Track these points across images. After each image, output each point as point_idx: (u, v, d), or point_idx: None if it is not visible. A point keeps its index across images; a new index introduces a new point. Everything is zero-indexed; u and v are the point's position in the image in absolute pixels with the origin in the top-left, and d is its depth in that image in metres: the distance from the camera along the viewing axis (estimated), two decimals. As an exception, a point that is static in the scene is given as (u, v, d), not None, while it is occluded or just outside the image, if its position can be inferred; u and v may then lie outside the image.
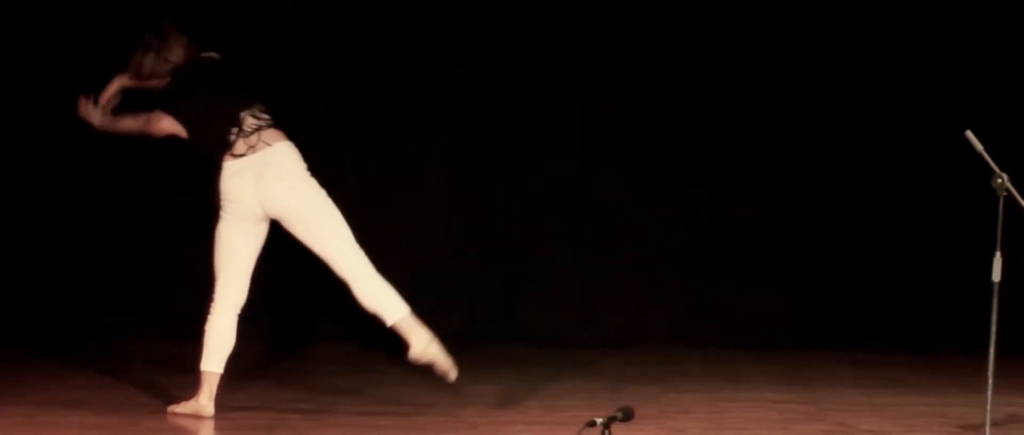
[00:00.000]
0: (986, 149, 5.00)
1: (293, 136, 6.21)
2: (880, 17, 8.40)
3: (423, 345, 6.07)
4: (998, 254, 4.90)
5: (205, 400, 6.16)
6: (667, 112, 8.43)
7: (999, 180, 4.94)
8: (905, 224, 8.37)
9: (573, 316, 8.45)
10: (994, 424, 5.02)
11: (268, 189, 6.06)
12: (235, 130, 6.10)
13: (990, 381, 4.91)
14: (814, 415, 6.34)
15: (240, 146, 6.12)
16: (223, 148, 6.09)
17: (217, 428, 6.01)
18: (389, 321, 6.08)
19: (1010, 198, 4.92)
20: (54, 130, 8.28)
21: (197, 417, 6.14)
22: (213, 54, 6.34)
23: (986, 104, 8.01)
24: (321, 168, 6.18)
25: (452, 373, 6.15)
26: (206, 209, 8.19)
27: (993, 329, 4.91)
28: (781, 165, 8.45)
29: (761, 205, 8.50)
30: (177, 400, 6.26)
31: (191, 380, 6.25)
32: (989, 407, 4.94)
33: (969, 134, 5.06)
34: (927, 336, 8.30)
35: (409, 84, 8.33)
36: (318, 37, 8.30)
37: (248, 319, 6.25)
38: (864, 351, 8.18)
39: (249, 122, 6.15)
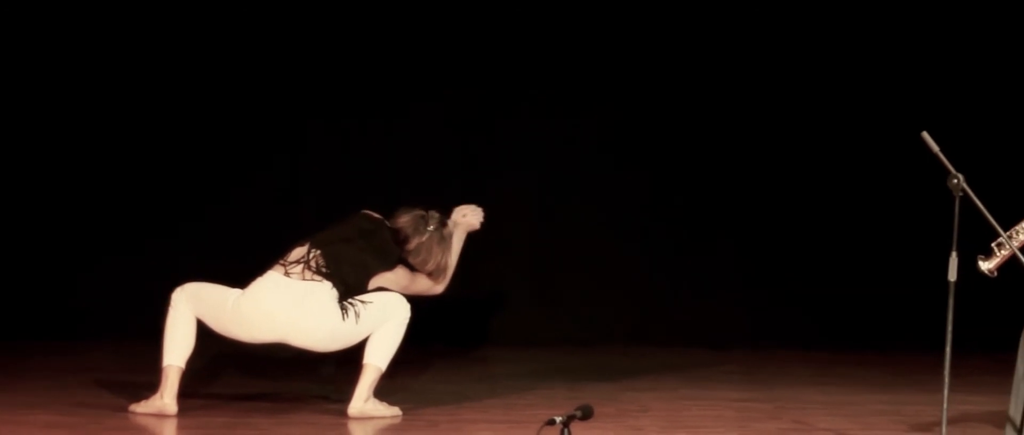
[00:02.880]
0: (942, 150, 4.89)
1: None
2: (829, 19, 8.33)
3: (359, 404, 5.96)
4: (954, 254, 4.79)
5: (168, 398, 6.00)
6: (624, 120, 8.37)
7: (955, 181, 4.83)
8: (861, 225, 8.33)
9: (531, 316, 8.36)
10: (949, 422, 4.93)
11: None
12: None
13: (946, 380, 4.80)
14: (772, 413, 6.25)
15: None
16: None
17: (178, 426, 5.86)
18: (366, 359, 5.96)
19: (966, 198, 4.81)
20: (15, 129, 8.17)
21: (160, 415, 5.98)
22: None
23: (941, 105, 7.99)
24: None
25: (398, 414, 6.04)
26: (169, 206, 8.07)
27: (949, 328, 4.80)
28: (737, 167, 8.42)
29: (718, 206, 8.45)
30: (140, 399, 6.09)
31: (155, 378, 6.09)
32: (945, 405, 4.84)
33: (925, 135, 4.95)
34: (882, 336, 8.26)
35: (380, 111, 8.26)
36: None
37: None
38: (820, 350, 8.13)
39: None
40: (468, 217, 6.21)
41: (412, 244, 6.09)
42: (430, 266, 6.11)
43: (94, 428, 5.74)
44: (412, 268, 6.13)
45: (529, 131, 8.40)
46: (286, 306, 5.91)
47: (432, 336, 7.90)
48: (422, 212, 6.14)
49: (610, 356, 7.94)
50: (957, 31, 8.31)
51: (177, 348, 5.99)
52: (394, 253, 6.09)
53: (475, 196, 8.13)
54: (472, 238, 8.00)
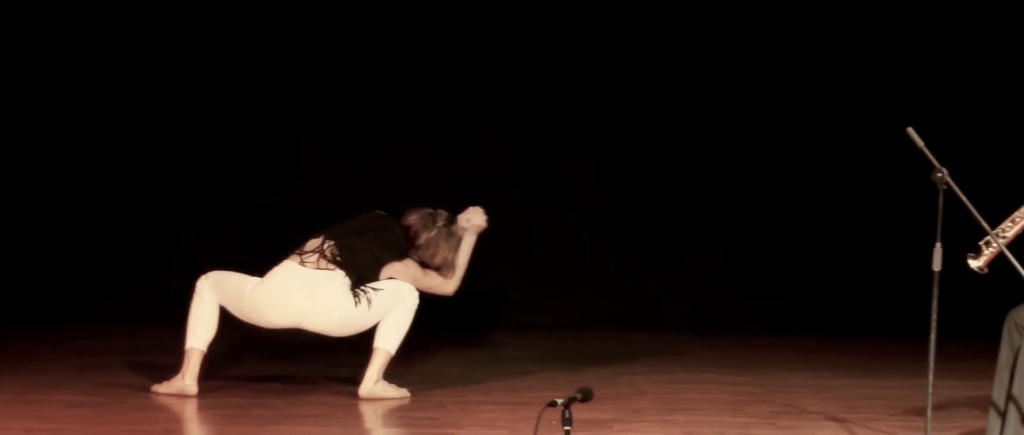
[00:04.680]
0: (926, 145, 4.94)
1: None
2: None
3: (370, 385, 6.02)
4: (938, 245, 4.84)
5: (189, 379, 6.07)
6: (619, 111, 8.39)
7: (939, 174, 4.88)
8: (849, 216, 8.32)
9: (533, 304, 8.38)
10: (934, 407, 4.98)
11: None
12: None
13: (931, 365, 4.84)
14: (763, 397, 6.28)
15: None
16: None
17: (198, 407, 5.91)
18: (376, 343, 6.04)
19: (950, 191, 4.86)
20: (44, 116, 8.19)
21: (180, 396, 6.03)
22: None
23: (926, 102, 8.00)
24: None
25: (406, 396, 6.10)
26: (191, 194, 8.09)
27: (933, 316, 4.84)
28: (729, 158, 8.41)
29: (709, 197, 8.44)
30: (161, 380, 6.14)
31: (176, 360, 6.13)
32: (929, 390, 4.88)
33: (910, 130, 4.99)
34: (865, 323, 8.27)
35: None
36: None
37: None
38: (806, 337, 8.14)
39: None
40: (473, 219, 6.28)
41: (421, 239, 6.16)
42: (438, 260, 6.18)
43: (117, 408, 5.77)
44: (422, 264, 6.20)
45: (526, 124, 8.38)
46: (301, 293, 5.99)
47: (439, 322, 7.93)
48: (430, 210, 6.23)
49: (607, 342, 7.95)
50: (942, 27, 8.30)
51: (200, 332, 6.06)
52: (404, 247, 6.17)
53: (474, 187, 8.25)
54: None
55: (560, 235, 8.44)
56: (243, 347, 6.95)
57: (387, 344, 6.05)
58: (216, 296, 6.08)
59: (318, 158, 8.33)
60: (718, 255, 8.41)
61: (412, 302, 6.07)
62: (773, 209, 8.37)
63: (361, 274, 6.06)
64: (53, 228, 8.27)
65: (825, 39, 8.36)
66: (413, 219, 6.20)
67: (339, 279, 6.02)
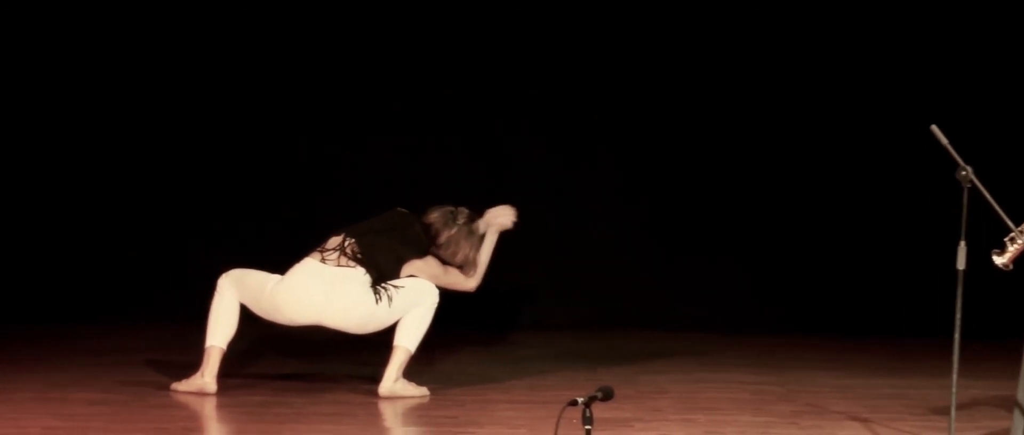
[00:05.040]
0: (950, 142, 4.90)
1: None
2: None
3: (389, 384, 6.01)
4: (962, 243, 4.80)
5: (208, 377, 6.06)
6: (636, 109, 8.37)
7: (963, 172, 4.84)
8: (872, 215, 8.28)
9: (552, 303, 8.36)
10: (958, 407, 4.93)
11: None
12: None
13: (955, 365, 4.80)
14: (785, 396, 6.24)
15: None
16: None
17: (217, 405, 5.90)
18: (396, 341, 6.03)
19: (974, 189, 4.82)
20: (64, 114, 8.20)
21: (200, 393, 6.03)
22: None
23: (949, 98, 7.96)
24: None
25: (426, 394, 6.09)
26: (210, 192, 8.10)
27: (957, 315, 4.80)
28: (750, 155, 8.38)
29: (730, 196, 8.41)
30: (180, 378, 6.13)
31: (195, 358, 6.13)
32: (954, 390, 4.84)
33: (934, 128, 4.96)
34: (891, 322, 8.22)
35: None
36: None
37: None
38: (827, 336, 8.09)
39: None
40: (500, 218, 6.26)
41: (442, 237, 6.14)
42: (459, 258, 6.16)
43: (137, 405, 5.76)
44: (443, 261, 6.19)
45: (548, 123, 8.37)
46: (322, 290, 5.97)
47: (459, 321, 7.92)
48: (452, 208, 6.21)
49: (627, 341, 7.93)
50: (964, 24, 8.26)
51: (220, 330, 6.06)
52: (425, 245, 6.15)
53: (496, 188, 8.24)
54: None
55: (581, 233, 8.42)
56: (263, 345, 6.96)
57: (407, 342, 6.04)
58: (237, 294, 6.07)
59: (337, 158, 8.32)
60: (740, 253, 8.38)
61: (432, 300, 6.05)
62: (796, 208, 8.35)
63: (382, 272, 6.04)
64: (72, 225, 8.29)
65: (848, 38, 8.32)
66: (434, 216, 6.18)
67: (360, 276, 6.01)
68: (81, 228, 8.30)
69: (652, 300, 8.42)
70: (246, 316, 6.11)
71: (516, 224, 6.29)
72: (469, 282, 6.22)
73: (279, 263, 6.16)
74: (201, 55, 8.27)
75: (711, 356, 7.44)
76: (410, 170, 8.20)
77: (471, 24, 8.28)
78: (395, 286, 6.04)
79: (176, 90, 8.30)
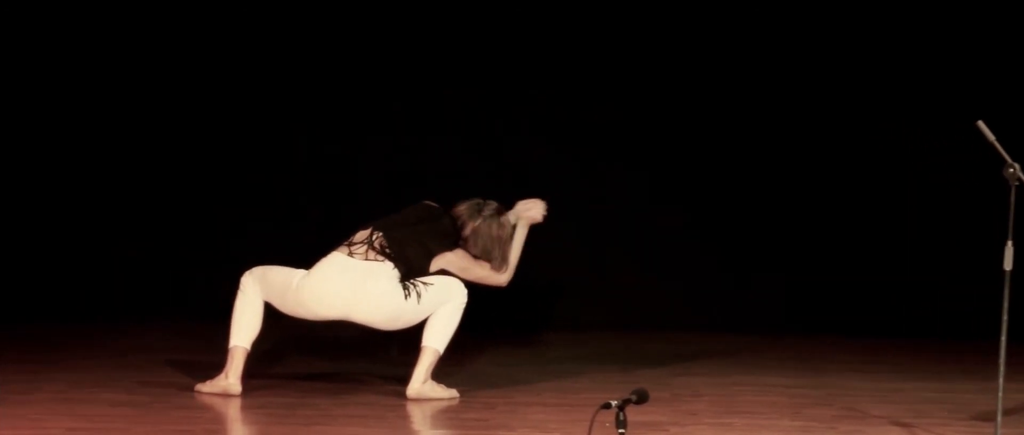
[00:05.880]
0: (997, 139, 4.79)
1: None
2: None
3: (418, 385, 5.95)
4: (1009, 243, 4.69)
5: (232, 378, 6.01)
6: (668, 106, 8.31)
7: (1011, 170, 4.72)
8: (917, 213, 8.17)
9: (584, 302, 8.31)
10: (1005, 412, 4.82)
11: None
12: None
13: (1002, 368, 4.70)
14: (823, 400, 6.15)
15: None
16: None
17: (241, 406, 5.84)
18: (424, 342, 5.97)
19: (1022, 187, 4.70)
20: (90, 115, 8.18)
21: (224, 395, 5.97)
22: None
23: (995, 94, 7.85)
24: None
25: (455, 396, 6.02)
26: (234, 190, 8.08)
27: (1004, 317, 4.69)
28: (788, 153, 8.28)
29: (768, 193, 8.32)
30: (205, 379, 6.08)
31: (218, 358, 6.08)
32: (1000, 394, 4.73)
33: (980, 124, 4.84)
34: (934, 324, 8.11)
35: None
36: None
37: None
38: (867, 338, 8.00)
39: None
40: (531, 211, 6.18)
41: (468, 229, 6.07)
42: (484, 251, 6.08)
43: (159, 407, 5.72)
44: (473, 255, 6.11)
45: (575, 120, 8.31)
46: (349, 285, 5.90)
47: (489, 321, 7.89)
48: (479, 200, 6.13)
49: (661, 342, 7.86)
50: (1011, 18, 8.15)
51: (244, 330, 6.00)
52: (454, 238, 6.08)
53: (524, 185, 8.18)
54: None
55: (615, 232, 8.35)
56: (287, 345, 6.92)
57: (436, 343, 5.96)
58: (261, 291, 6.01)
59: (337, 158, 8.29)
60: (778, 253, 8.29)
61: (461, 299, 5.98)
62: (834, 207, 8.26)
63: (411, 266, 5.98)
64: (94, 225, 8.29)
65: (891, 36, 8.21)
66: (461, 209, 6.12)
67: (388, 271, 5.93)
68: (105, 228, 8.29)
69: (687, 300, 8.34)
70: (270, 314, 6.05)
71: (545, 217, 6.19)
72: (500, 276, 6.14)
73: (280, 262, 6.10)
74: (201, 55, 8.26)
75: (747, 358, 7.37)
76: (410, 170, 8.15)
77: (471, 24, 8.25)
78: (424, 283, 5.97)
79: (176, 90, 8.29)
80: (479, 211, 6.10)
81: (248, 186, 8.31)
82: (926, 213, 8.17)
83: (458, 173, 8.06)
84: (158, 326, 7.86)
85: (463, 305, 5.99)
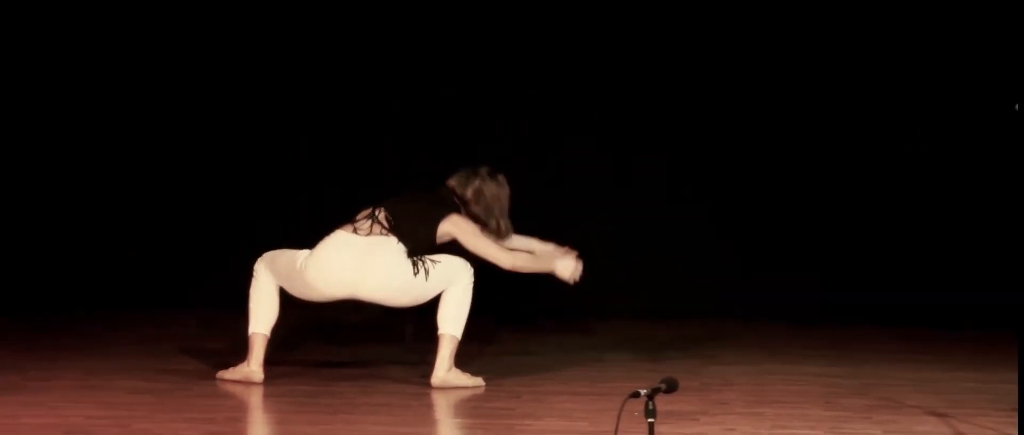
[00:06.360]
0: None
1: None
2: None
3: (442, 374, 5.88)
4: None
5: (254, 365, 5.95)
6: (700, 95, 8.26)
7: (1054, 154, 4.61)
8: (952, 198, 8.06)
9: (612, 289, 8.20)
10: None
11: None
12: None
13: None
14: (858, 390, 6.04)
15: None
16: None
17: (264, 394, 5.79)
18: (440, 330, 5.91)
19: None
20: (113, 102, 8.19)
21: (246, 382, 5.91)
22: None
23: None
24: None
25: (481, 385, 5.95)
26: (252, 176, 8.05)
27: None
28: (826, 141, 8.19)
29: (804, 181, 8.22)
30: (226, 366, 6.02)
31: (238, 346, 6.03)
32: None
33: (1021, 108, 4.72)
34: (973, 313, 7.99)
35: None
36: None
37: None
38: (906, 327, 7.89)
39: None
40: (564, 272, 6.09)
41: (469, 190, 6.03)
42: (488, 211, 6.02)
43: (180, 394, 5.68)
44: (478, 221, 6.03)
45: (607, 107, 8.25)
46: (356, 260, 5.83)
47: (513, 308, 7.84)
48: (469, 168, 6.08)
49: (692, 329, 7.78)
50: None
51: (261, 316, 5.94)
52: (455, 204, 6.02)
53: (525, 185, 8.13)
54: (553, 210, 7.94)
55: (644, 217, 8.28)
56: (307, 331, 6.87)
57: (451, 329, 5.88)
58: (273, 276, 5.95)
59: (337, 158, 8.28)
60: (811, 240, 8.19)
61: (467, 279, 5.91)
62: (871, 193, 8.16)
63: (416, 239, 5.90)
64: (114, 213, 8.30)
65: (919, 29, 8.09)
66: (455, 177, 6.09)
67: (394, 245, 5.86)
68: (125, 215, 8.30)
69: (718, 286, 8.25)
70: (286, 301, 6.00)
71: (575, 282, 6.09)
72: (504, 255, 6.00)
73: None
74: (202, 55, 8.26)
75: (779, 347, 7.28)
76: (410, 170, 8.11)
77: (471, 24, 8.20)
78: (432, 260, 5.90)
79: (176, 90, 8.29)
80: (475, 172, 6.07)
81: (251, 185, 8.31)
82: (965, 200, 8.06)
83: (434, 174, 8.02)
84: (179, 314, 7.82)
85: (471, 285, 5.91)
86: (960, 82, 8.08)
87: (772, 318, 8.05)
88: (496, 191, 6.08)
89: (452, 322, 5.88)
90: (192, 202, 8.35)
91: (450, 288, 5.90)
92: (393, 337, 6.89)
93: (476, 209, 6.04)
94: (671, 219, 8.28)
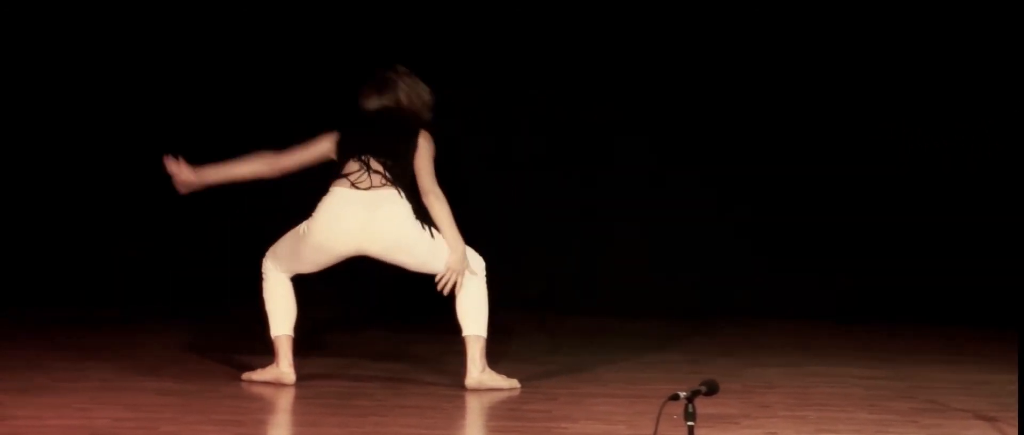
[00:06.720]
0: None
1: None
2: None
3: (477, 375, 5.77)
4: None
5: (284, 366, 5.87)
6: (731, 91, 8.22)
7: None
8: (997, 197, 7.96)
9: (651, 288, 8.18)
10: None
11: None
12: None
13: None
14: (903, 392, 5.94)
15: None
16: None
17: (294, 396, 5.73)
18: (465, 332, 5.80)
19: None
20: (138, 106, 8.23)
21: (277, 384, 5.84)
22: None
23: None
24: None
25: (516, 386, 5.84)
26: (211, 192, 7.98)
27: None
28: (863, 138, 8.15)
29: (847, 177, 8.15)
30: (252, 368, 5.97)
31: (265, 348, 5.96)
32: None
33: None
34: (1018, 312, 7.87)
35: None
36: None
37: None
38: (953, 327, 7.80)
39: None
40: (453, 266, 5.76)
41: (401, 94, 5.87)
42: (425, 105, 5.91)
43: (209, 395, 5.62)
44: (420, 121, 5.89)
45: (639, 102, 8.21)
46: (363, 213, 5.71)
47: (549, 306, 7.77)
48: (374, 79, 5.92)
49: (732, 331, 7.71)
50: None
51: (281, 317, 5.86)
52: (408, 119, 5.86)
53: (525, 184, 8.02)
54: (588, 207, 7.86)
55: (683, 216, 8.22)
56: (334, 328, 6.80)
57: (476, 329, 5.78)
58: (281, 268, 5.86)
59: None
60: (854, 239, 8.13)
61: (481, 270, 5.80)
62: (913, 190, 8.09)
63: (407, 174, 5.74)
64: (140, 217, 8.29)
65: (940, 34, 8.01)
66: (371, 85, 5.88)
67: (396, 197, 5.73)
68: (150, 218, 8.28)
69: (759, 287, 8.18)
70: (306, 301, 5.91)
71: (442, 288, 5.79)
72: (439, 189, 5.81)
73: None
74: (202, 55, 8.24)
75: (821, 348, 7.19)
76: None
77: (471, 24, 8.15)
78: (434, 228, 5.76)
79: (176, 90, 8.27)
80: (387, 79, 5.88)
81: (251, 185, 8.28)
82: (1012, 198, 7.95)
83: (457, 172, 7.99)
84: (208, 315, 7.77)
85: (485, 279, 5.80)
86: (989, 85, 8.01)
87: (812, 318, 7.97)
88: (412, 81, 5.93)
89: (475, 323, 5.77)
90: (193, 204, 8.32)
91: (465, 285, 5.76)
92: (427, 334, 6.81)
93: (417, 104, 5.89)
94: (709, 219, 8.23)
